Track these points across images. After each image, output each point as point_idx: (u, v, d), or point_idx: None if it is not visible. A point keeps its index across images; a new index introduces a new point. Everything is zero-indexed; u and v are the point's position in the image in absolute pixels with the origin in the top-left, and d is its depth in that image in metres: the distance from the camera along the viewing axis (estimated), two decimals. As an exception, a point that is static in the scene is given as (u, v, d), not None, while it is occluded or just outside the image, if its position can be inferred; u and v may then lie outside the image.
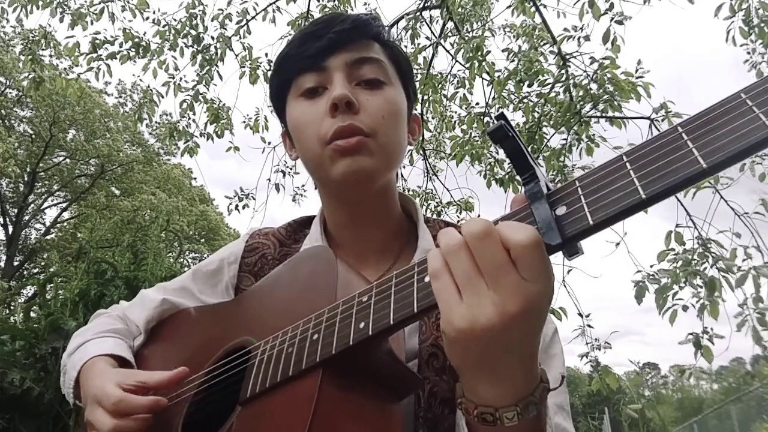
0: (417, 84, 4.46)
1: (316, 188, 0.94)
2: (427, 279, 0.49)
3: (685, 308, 2.79)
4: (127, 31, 4.09)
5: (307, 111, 0.81)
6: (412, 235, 0.90)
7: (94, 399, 0.74)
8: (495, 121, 0.46)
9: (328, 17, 0.85)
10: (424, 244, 0.85)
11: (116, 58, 4.09)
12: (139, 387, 0.73)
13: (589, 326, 3.32)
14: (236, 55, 4.28)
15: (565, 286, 3.29)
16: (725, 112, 0.39)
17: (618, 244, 3.02)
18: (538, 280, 0.43)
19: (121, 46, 4.10)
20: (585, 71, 3.35)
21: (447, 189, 4.70)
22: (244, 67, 4.28)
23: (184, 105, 4.31)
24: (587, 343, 3.30)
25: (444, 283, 0.46)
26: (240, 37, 4.29)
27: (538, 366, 0.50)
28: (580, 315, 3.32)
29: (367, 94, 0.80)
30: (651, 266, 2.96)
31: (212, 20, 4.23)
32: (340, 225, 0.90)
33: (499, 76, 3.80)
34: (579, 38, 3.42)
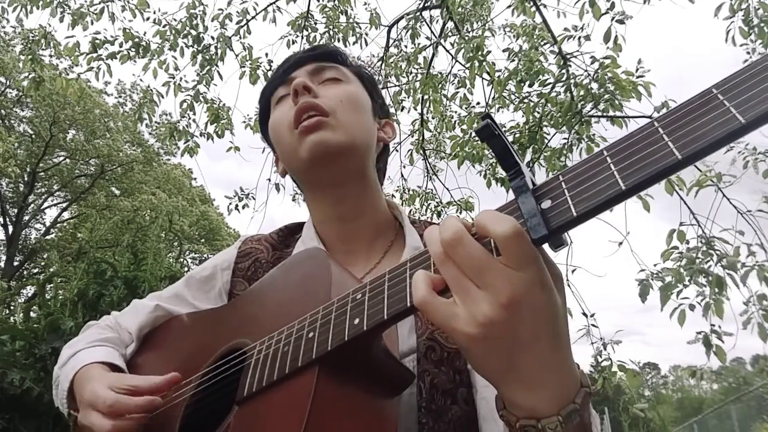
0: (417, 84, 4.48)
1: (304, 200, 0.98)
2: None
3: (692, 307, 2.78)
4: (127, 31, 4.09)
5: (277, 112, 0.91)
6: (399, 235, 0.93)
7: (87, 403, 0.73)
8: (481, 120, 0.48)
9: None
10: (412, 242, 0.88)
11: (116, 58, 4.09)
12: (132, 391, 0.73)
13: (594, 326, 3.31)
14: (236, 55, 4.29)
15: (569, 285, 3.29)
16: (698, 107, 0.41)
17: (621, 243, 3.02)
18: (524, 268, 0.44)
19: (121, 46, 4.10)
20: (586, 71, 3.35)
21: (447, 189, 4.71)
22: (244, 67, 4.28)
23: (184, 105, 4.31)
24: (592, 343, 3.30)
25: (434, 307, 0.47)
26: (240, 37, 4.29)
27: (577, 369, 0.49)
28: (585, 315, 3.32)
29: (328, 87, 0.89)
30: (655, 265, 2.96)
31: (212, 20, 4.23)
32: (328, 221, 0.92)
33: (499, 76, 3.80)
34: (579, 38, 3.42)
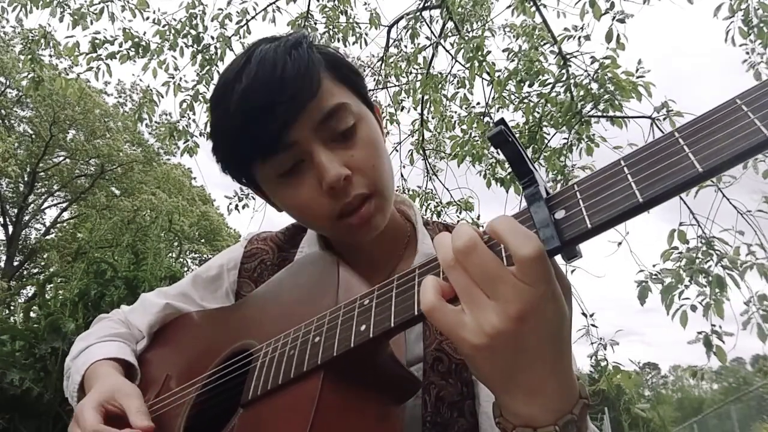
0: (417, 84, 4.48)
1: None
2: None
3: (693, 308, 2.78)
4: (127, 30, 4.09)
5: (297, 194, 0.74)
6: (412, 239, 0.88)
7: (76, 413, 0.73)
8: (495, 126, 0.47)
9: (257, 64, 0.72)
10: (424, 248, 0.84)
11: (116, 58, 4.09)
12: (120, 412, 0.72)
13: (593, 326, 3.32)
14: (236, 55, 4.27)
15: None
16: (721, 118, 0.40)
17: (620, 243, 3.02)
18: (536, 284, 0.43)
19: (120, 45, 4.10)
20: (586, 71, 3.35)
21: (447, 189, 4.71)
22: (244, 67, 4.27)
23: (184, 105, 4.31)
24: (592, 343, 3.30)
25: (441, 315, 0.46)
26: (240, 37, 4.29)
27: (576, 380, 0.49)
28: (584, 315, 3.32)
29: (348, 149, 0.73)
30: (654, 265, 2.96)
31: (212, 20, 4.23)
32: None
33: (499, 76, 3.79)
34: (579, 38, 3.42)
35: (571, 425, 0.47)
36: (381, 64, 4.70)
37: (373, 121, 0.80)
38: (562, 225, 0.45)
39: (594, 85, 3.29)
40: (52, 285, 3.05)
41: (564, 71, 3.49)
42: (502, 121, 0.47)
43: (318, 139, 0.72)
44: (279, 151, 0.72)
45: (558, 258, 0.48)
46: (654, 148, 0.43)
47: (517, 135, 3.81)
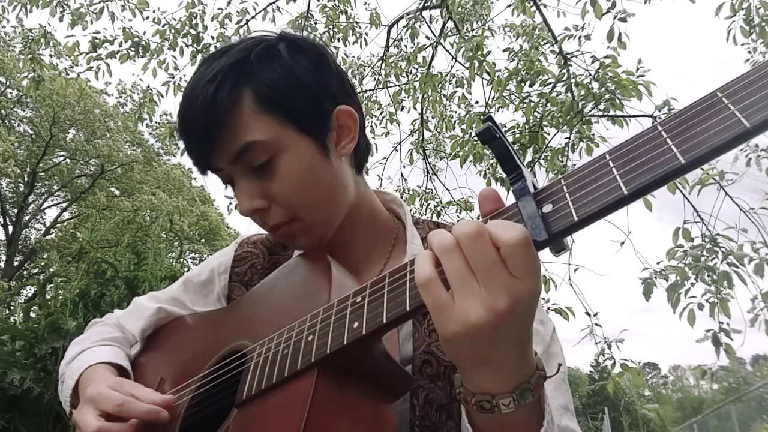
0: (417, 84, 4.48)
1: None
2: None
3: (700, 306, 2.79)
4: (127, 30, 4.10)
5: (238, 204, 0.79)
6: (401, 238, 0.87)
7: (88, 399, 0.73)
8: (483, 122, 0.48)
9: (188, 91, 0.75)
10: (412, 248, 0.82)
11: (116, 58, 4.10)
12: (132, 397, 0.72)
13: (597, 325, 3.32)
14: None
15: (571, 285, 3.30)
16: (702, 110, 0.41)
17: (623, 243, 3.02)
18: (527, 278, 0.45)
19: (120, 45, 4.11)
20: (586, 70, 3.35)
21: (447, 189, 4.72)
22: (243, 66, 4.27)
23: (184, 105, 4.30)
24: (596, 343, 3.30)
25: (434, 291, 0.47)
26: (240, 37, 4.28)
27: (534, 354, 0.52)
28: (588, 314, 3.32)
29: (266, 181, 0.74)
30: (658, 263, 2.97)
31: (212, 20, 4.24)
32: None
33: (499, 76, 3.79)
34: (580, 37, 3.42)
35: (527, 393, 0.50)
36: (381, 64, 4.70)
37: (301, 150, 0.74)
38: (549, 218, 0.46)
39: (595, 85, 3.29)
40: (52, 285, 3.05)
41: (565, 71, 3.49)
42: (489, 117, 0.48)
43: (238, 168, 0.75)
44: (213, 171, 0.79)
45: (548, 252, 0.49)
46: (638, 141, 0.44)
47: (517, 135, 3.81)
